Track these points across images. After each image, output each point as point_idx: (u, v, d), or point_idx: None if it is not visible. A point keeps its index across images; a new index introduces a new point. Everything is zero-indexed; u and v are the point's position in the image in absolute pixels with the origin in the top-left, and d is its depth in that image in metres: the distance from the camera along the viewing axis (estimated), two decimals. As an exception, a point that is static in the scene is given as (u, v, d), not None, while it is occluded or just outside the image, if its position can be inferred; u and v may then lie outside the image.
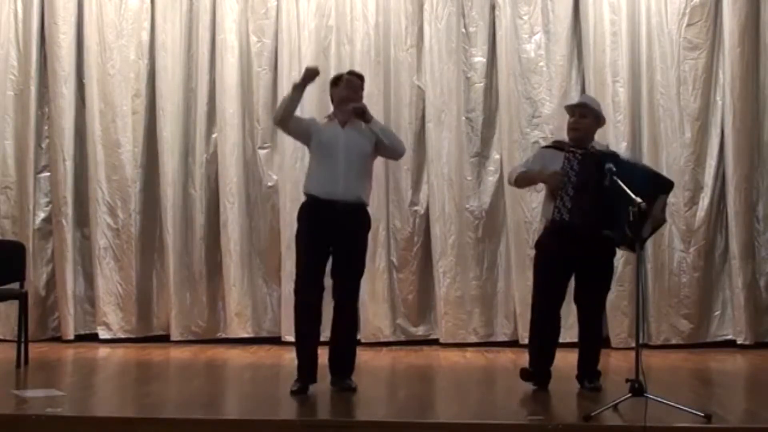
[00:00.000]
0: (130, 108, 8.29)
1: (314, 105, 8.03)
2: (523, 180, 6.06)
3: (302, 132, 6.01)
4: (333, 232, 5.76)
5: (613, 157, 5.70)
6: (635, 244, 5.28)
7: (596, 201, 5.57)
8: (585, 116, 5.89)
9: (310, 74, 5.83)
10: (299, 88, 5.82)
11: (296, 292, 5.86)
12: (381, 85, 8.10)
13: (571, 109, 5.99)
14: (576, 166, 5.69)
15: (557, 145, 6.02)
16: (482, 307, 8.09)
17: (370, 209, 6.03)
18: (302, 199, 5.97)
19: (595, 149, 5.82)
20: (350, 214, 5.78)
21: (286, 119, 5.86)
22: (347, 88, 5.96)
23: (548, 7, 8.09)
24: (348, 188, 5.77)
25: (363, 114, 5.85)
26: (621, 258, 6.18)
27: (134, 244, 8.27)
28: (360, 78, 6.07)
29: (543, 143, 7.96)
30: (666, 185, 5.87)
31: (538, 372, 5.94)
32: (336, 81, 6.07)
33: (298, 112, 5.99)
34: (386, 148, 5.95)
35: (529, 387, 5.94)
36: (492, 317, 8.11)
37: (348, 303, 5.93)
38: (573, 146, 5.81)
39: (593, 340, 5.99)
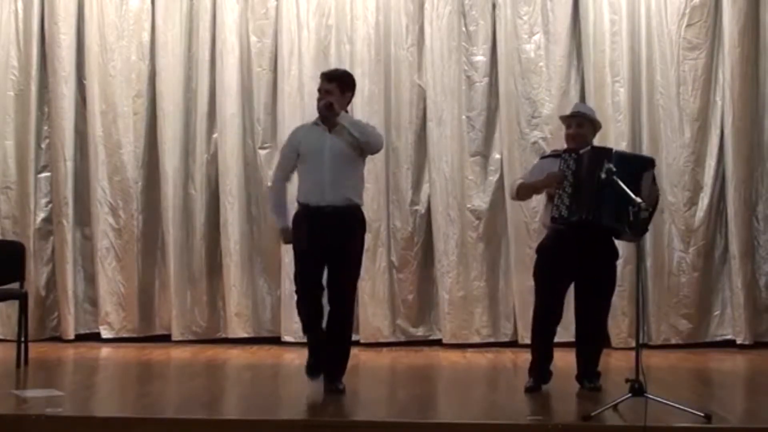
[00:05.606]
0: (131, 109, 8.29)
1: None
2: (524, 190, 6.01)
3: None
4: (325, 238, 5.70)
5: (606, 152, 5.68)
6: (639, 233, 5.30)
7: (595, 196, 5.58)
8: (582, 126, 5.86)
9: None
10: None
11: (297, 295, 5.92)
12: (381, 85, 8.08)
13: (568, 120, 5.96)
14: (572, 165, 5.69)
15: (555, 154, 6.01)
16: (483, 307, 8.07)
17: (366, 209, 5.99)
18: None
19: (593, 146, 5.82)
20: (340, 217, 5.71)
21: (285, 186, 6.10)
22: (318, 94, 5.85)
23: (548, 7, 8.08)
24: (335, 192, 5.69)
25: (330, 108, 5.70)
26: (621, 258, 6.16)
27: (136, 244, 8.27)
28: (329, 76, 5.85)
29: (542, 143, 8.00)
30: (646, 162, 5.86)
31: (539, 371, 5.94)
32: None
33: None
34: (359, 141, 5.73)
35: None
36: (493, 317, 8.09)
37: (340, 308, 5.79)
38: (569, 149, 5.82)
39: (594, 341, 5.98)
